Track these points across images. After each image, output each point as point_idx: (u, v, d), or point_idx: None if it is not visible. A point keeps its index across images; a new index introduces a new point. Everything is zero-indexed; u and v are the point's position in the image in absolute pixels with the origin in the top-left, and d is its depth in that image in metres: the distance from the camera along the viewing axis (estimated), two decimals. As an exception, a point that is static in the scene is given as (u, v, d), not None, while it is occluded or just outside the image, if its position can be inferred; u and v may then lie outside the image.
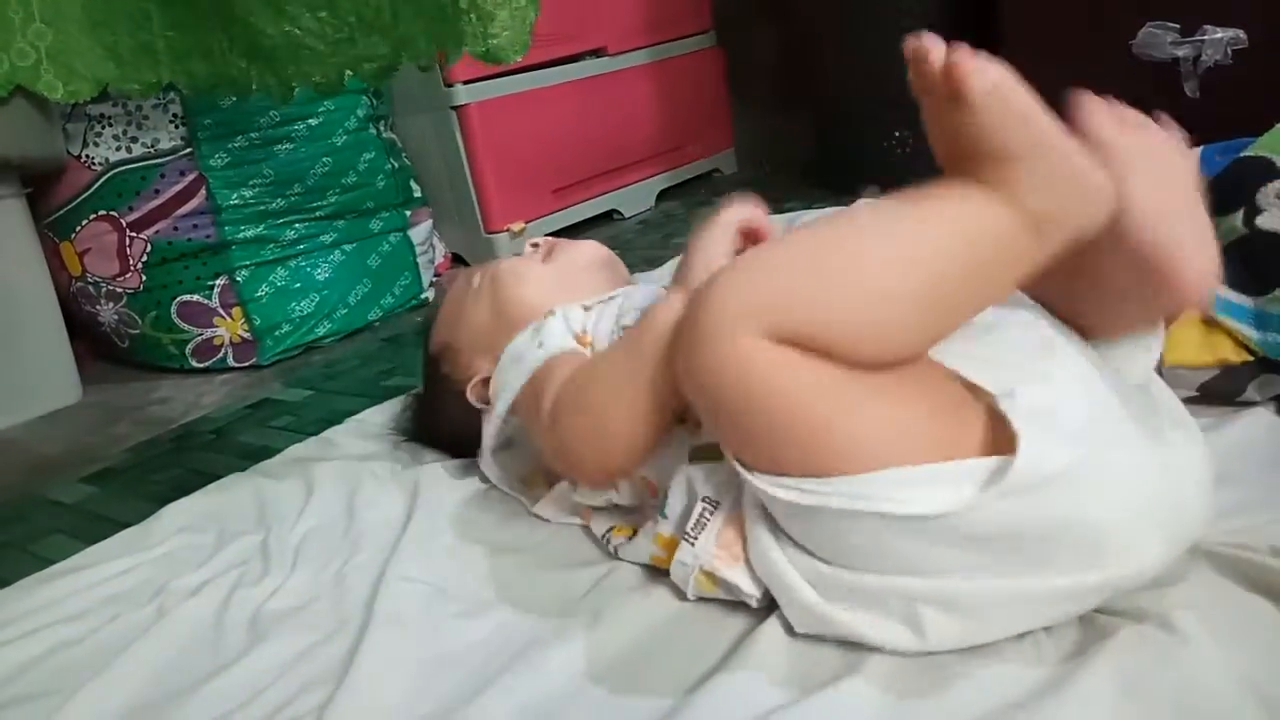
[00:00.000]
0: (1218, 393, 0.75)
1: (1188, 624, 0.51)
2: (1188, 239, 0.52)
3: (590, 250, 0.89)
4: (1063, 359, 0.54)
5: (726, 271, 0.52)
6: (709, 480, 0.60)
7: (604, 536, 0.71)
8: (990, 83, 0.48)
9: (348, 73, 1.14)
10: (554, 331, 0.74)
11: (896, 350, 0.51)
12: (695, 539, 0.59)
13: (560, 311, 0.76)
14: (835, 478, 0.50)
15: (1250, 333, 0.75)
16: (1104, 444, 0.51)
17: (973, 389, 0.52)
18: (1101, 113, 0.53)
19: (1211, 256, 0.53)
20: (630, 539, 0.68)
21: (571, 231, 2.00)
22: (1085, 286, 0.56)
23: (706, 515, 0.59)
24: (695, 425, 0.63)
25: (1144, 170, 0.52)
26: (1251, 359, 0.75)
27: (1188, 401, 0.75)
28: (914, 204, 0.52)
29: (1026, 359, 0.53)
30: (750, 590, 0.58)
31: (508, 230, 1.86)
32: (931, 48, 0.49)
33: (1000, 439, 0.49)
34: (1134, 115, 0.55)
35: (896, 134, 1.79)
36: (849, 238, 0.51)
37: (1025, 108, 0.49)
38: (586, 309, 0.77)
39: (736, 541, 0.58)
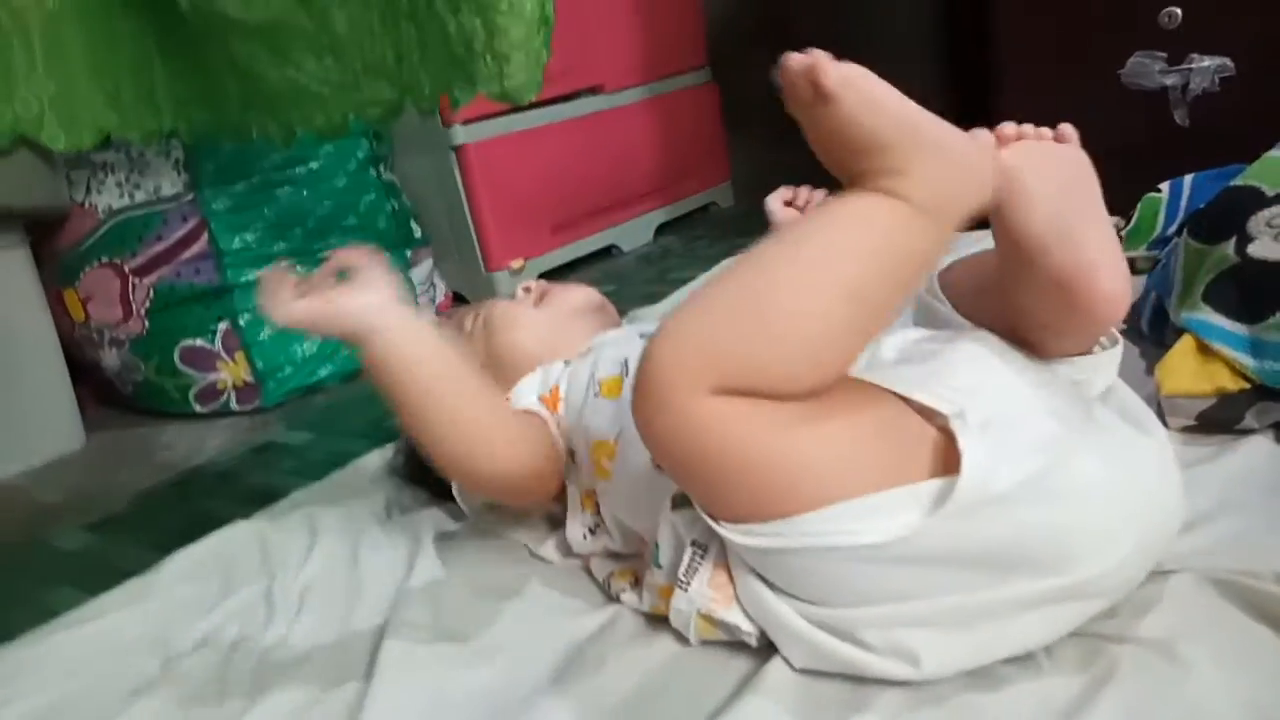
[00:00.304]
0: (1216, 421, 0.75)
1: (1192, 652, 0.52)
2: (1100, 259, 0.55)
3: (581, 295, 0.90)
4: (1014, 375, 0.57)
5: (658, 338, 0.52)
6: (693, 525, 0.60)
7: (605, 581, 0.71)
8: (843, 75, 0.51)
9: (351, 116, 1.16)
10: (521, 390, 0.77)
11: (835, 366, 0.52)
12: (688, 584, 0.59)
13: (541, 369, 0.78)
14: (789, 518, 0.51)
15: (1247, 360, 0.75)
16: (1066, 452, 0.52)
17: (925, 411, 0.53)
18: (989, 134, 0.56)
19: (1121, 275, 0.56)
20: (632, 586, 0.68)
21: (571, 267, 2.01)
22: (1014, 315, 0.59)
23: (697, 560, 0.60)
24: None
25: (1044, 190, 0.55)
26: (1249, 386, 0.75)
27: (1186, 431, 0.76)
28: (811, 224, 0.55)
29: (977, 377, 0.55)
30: (748, 629, 0.58)
31: (508, 268, 1.87)
32: (792, 56, 0.52)
33: (949, 458, 0.50)
34: (1031, 130, 0.59)
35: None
36: (760, 278, 0.52)
37: (883, 93, 0.52)
38: (567, 364, 0.79)
39: (728, 583, 0.59)
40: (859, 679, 0.54)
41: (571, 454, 0.74)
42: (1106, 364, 0.62)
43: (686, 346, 0.51)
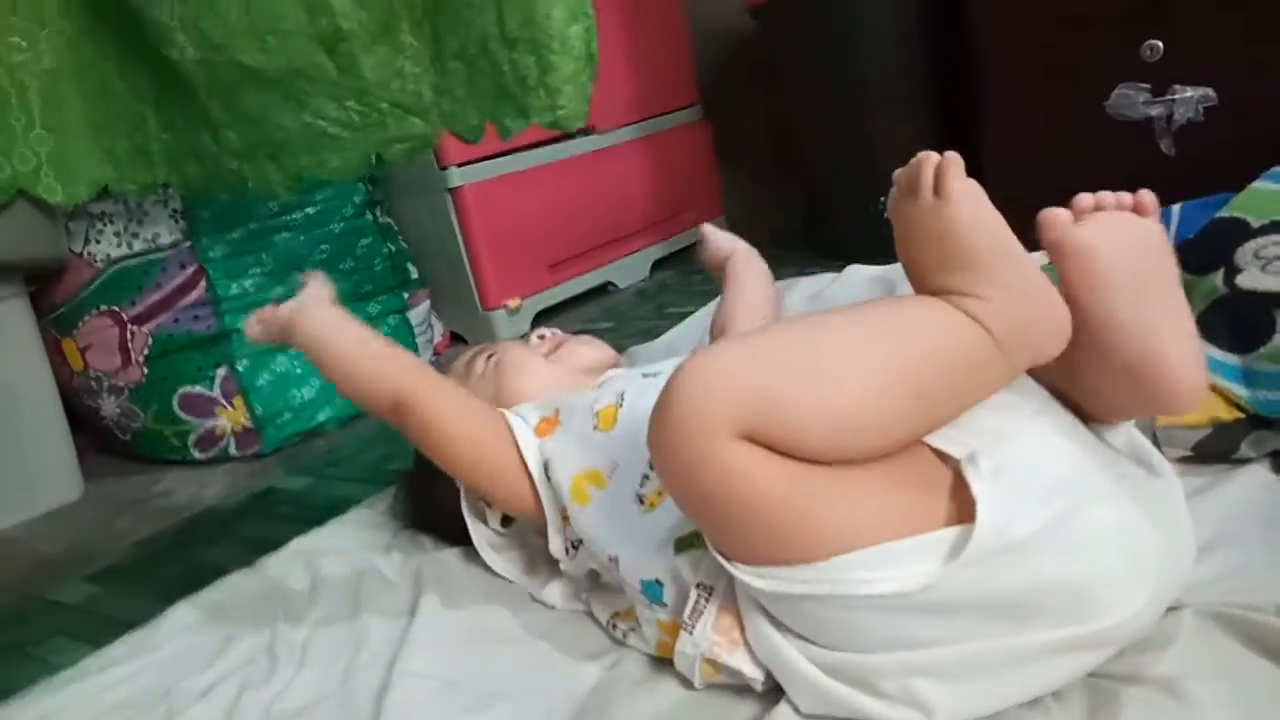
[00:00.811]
0: (1212, 452, 0.75)
1: (1197, 689, 0.52)
2: (1175, 351, 0.53)
3: (594, 353, 0.90)
4: (1034, 419, 0.55)
5: (700, 364, 0.52)
6: (698, 568, 0.60)
7: (609, 623, 0.71)
8: (967, 183, 0.51)
9: (373, 155, 1.18)
10: (521, 411, 0.78)
11: (863, 457, 0.52)
12: (693, 627, 0.59)
13: (546, 398, 0.79)
14: (807, 565, 0.50)
15: (1240, 390, 0.76)
16: (1082, 499, 0.51)
17: (940, 455, 0.53)
18: (1060, 218, 0.55)
19: (1199, 365, 0.54)
20: (637, 627, 0.68)
21: (568, 305, 2.02)
22: (1079, 392, 0.57)
23: (701, 603, 0.60)
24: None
25: (1122, 273, 0.54)
26: (1243, 416, 0.76)
27: (1182, 461, 0.76)
28: (886, 312, 0.54)
29: (996, 421, 0.54)
30: (753, 674, 0.58)
31: (505, 307, 1.88)
32: (928, 152, 0.53)
33: (970, 503, 0.50)
34: (1110, 199, 0.57)
35: (882, 198, 1.81)
36: (823, 345, 0.52)
37: (995, 216, 0.52)
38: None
39: (734, 626, 0.58)
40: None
41: (547, 473, 0.74)
42: (1128, 426, 0.60)
43: (725, 385, 0.50)
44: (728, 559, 0.54)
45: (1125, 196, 0.57)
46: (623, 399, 0.74)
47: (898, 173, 0.54)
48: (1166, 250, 0.56)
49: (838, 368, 0.51)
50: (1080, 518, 0.50)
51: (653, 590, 0.64)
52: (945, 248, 0.52)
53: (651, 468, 0.63)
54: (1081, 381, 0.57)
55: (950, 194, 0.51)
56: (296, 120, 1.15)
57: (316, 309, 0.77)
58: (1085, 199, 0.56)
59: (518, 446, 0.74)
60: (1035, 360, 0.53)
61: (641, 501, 0.66)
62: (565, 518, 0.72)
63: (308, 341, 0.75)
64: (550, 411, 0.77)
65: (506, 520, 0.81)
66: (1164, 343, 0.53)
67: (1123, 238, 0.55)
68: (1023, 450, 0.52)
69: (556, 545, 0.74)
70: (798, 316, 0.54)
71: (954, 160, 0.52)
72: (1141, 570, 0.52)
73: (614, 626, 0.70)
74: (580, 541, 0.72)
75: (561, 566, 0.75)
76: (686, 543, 0.62)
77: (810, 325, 0.54)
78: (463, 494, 0.81)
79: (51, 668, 0.85)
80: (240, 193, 1.26)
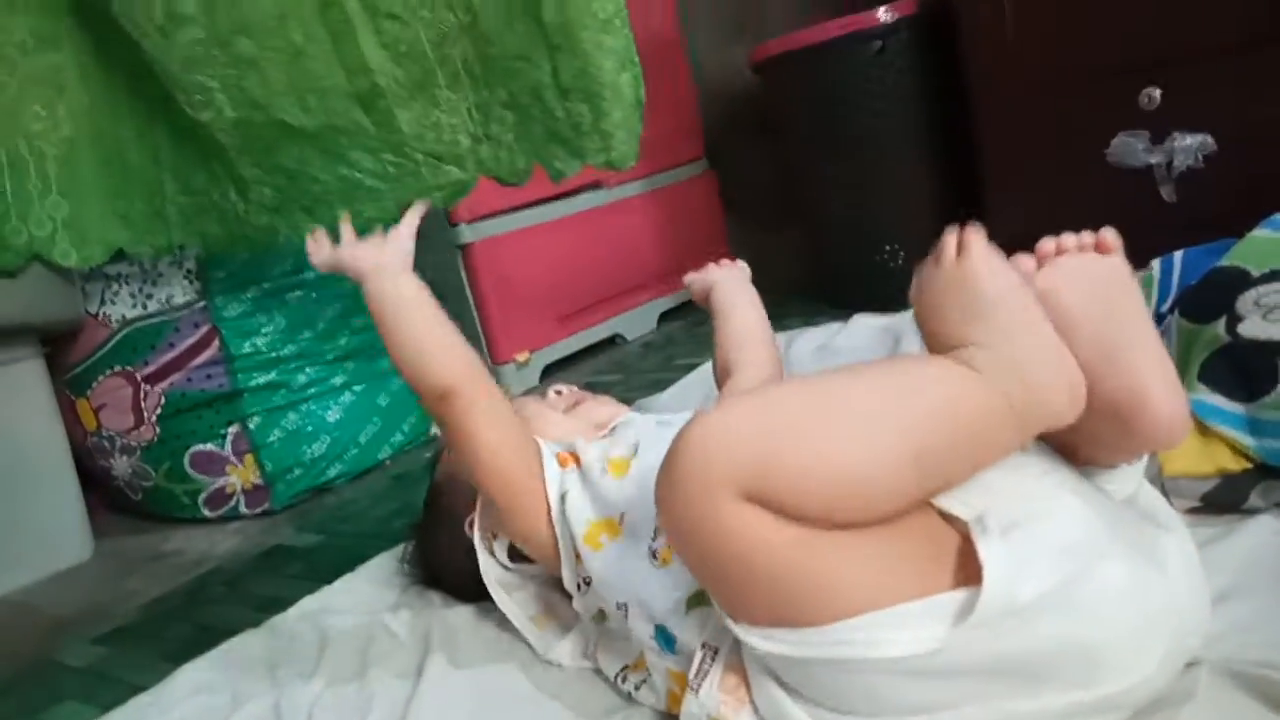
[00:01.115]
0: (1220, 503, 0.75)
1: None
2: (1152, 382, 0.53)
3: (612, 412, 0.90)
4: (1042, 478, 0.55)
5: (705, 425, 0.52)
6: (704, 627, 0.60)
7: (617, 677, 0.70)
8: (984, 242, 0.54)
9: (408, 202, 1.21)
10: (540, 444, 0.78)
11: (868, 519, 0.51)
12: (699, 687, 0.59)
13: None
14: (813, 628, 0.50)
15: (1246, 440, 0.76)
16: (1093, 561, 0.51)
17: (948, 516, 0.52)
18: (1023, 265, 0.57)
19: (1177, 397, 0.54)
20: (647, 678, 0.67)
21: (576, 357, 2.03)
22: (1074, 437, 0.56)
23: (707, 663, 0.59)
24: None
25: (1086, 313, 0.55)
26: (1250, 466, 0.75)
27: (1190, 512, 0.76)
28: (892, 372, 0.55)
29: (1003, 481, 0.54)
30: None
31: (514, 361, 1.89)
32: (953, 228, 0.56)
33: (978, 564, 0.49)
34: (1071, 240, 0.58)
35: (887, 248, 1.84)
36: (825, 406, 0.52)
37: (1008, 270, 0.54)
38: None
39: (740, 686, 0.58)
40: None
41: (564, 505, 0.74)
42: (1134, 475, 0.60)
43: (727, 446, 0.50)
44: (734, 620, 0.54)
45: (1086, 236, 0.58)
46: (636, 450, 0.74)
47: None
48: (1132, 285, 0.57)
49: (840, 429, 0.51)
50: (1090, 579, 0.50)
51: (663, 637, 0.64)
52: (963, 299, 0.53)
53: None
54: (1074, 426, 0.56)
55: (970, 251, 0.53)
56: (333, 173, 1.20)
57: (399, 273, 0.81)
58: (1045, 244, 0.58)
59: (542, 470, 0.75)
60: (1048, 423, 0.53)
61: (654, 556, 0.66)
62: (578, 555, 0.73)
63: (381, 304, 0.79)
64: (568, 450, 0.78)
65: (515, 555, 0.81)
66: (1140, 376, 0.53)
67: (1086, 278, 0.56)
68: (1031, 511, 0.52)
69: (569, 578, 0.74)
70: (802, 376, 0.54)
71: (976, 229, 0.54)
72: (1153, 633, 0.51)
73: (623, 679, 0.70)
74: (591, 579, 0.72)
75: (574, 603, 0.75)
76: (696, 600, 0.62)
77: (813, 385, 0.54)
78: (476, 523, 0.81)
79: (60, 732, 0.85)
80: (268, 247, 1.29)
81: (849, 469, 0.50)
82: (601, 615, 0.73)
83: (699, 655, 0.60)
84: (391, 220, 1.22)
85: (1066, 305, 0.55)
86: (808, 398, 0.53)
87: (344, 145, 1.18)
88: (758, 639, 0.52)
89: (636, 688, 0.68)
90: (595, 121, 1.12)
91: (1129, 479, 0.59)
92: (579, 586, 0.74)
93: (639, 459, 0.74)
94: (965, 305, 0.53)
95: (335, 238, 0.99)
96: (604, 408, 0.91)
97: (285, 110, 1.15)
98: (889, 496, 0.51)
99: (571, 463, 0.77)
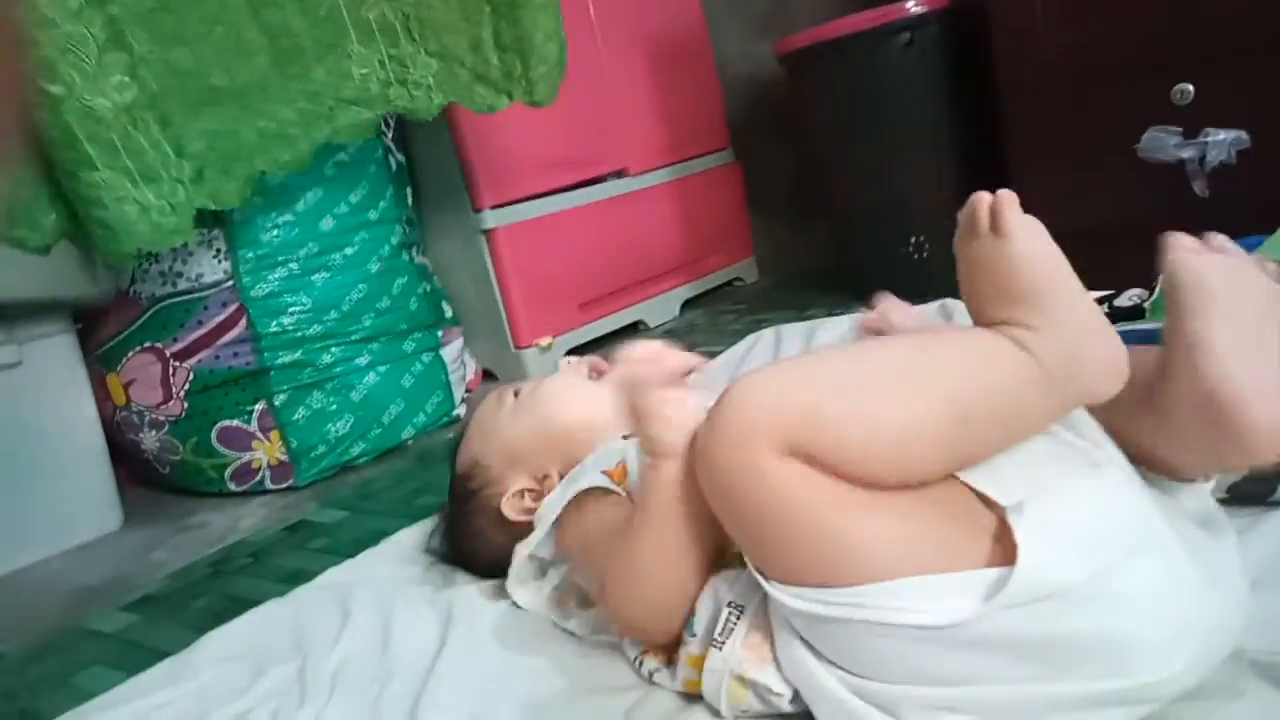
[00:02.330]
0: (1247, 495, 0.74)
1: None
2: (1262, 387, 0.51)
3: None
4: (1089, 469, 0.54)
5: (752, 380, 0.53)
6: (733, 586, 0.61)
7: (636, 659, 0.71)
8: (1024, 218, 0.53)
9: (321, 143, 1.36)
10: (586, 468, 0.78)
11: (907, 480, 0.52)
12: (722, 644, 0.60)
13: (601, 449, 0.79)
14: (843, 588, 0.51)
15: (1274, 432, 0.75)
16: (1130, 553, 0.50)
17: (987, 500, 0.52)
18: (1183, 244, 0.55)
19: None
20: (665, 665, 0.68)
21: (598, 343, 2.04)
22: (1151, 422, 0.56)
23: (732, 620, 0.60)
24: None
25: (1225, 307, 0.53)
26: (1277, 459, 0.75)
27: (1217, 504, 0.75)
28: (940, 342, 0.55)
29: (1046, 469, 0.54)
30: (780, 690, 0.58)
31: (536, 345, 1.90)
32: (984, 193, 0.55)
33: (1012, 548, 0.50)
34: (1218, 241, 0.56)
35: (913, 239, 1.83)
36: (870, 366, 0.53)
37: (1052, 250, 0.53)
38: (626, 437, 0.79)
39: (764, 643, 0.59)
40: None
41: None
42: (1202, 493, 0.59)
43: (780, 400, 0.51)
44: (766, 578, 0.54)
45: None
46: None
47: (962, 212, 0.56)
48: (1276, 299, 0.55)
49: (884, 387, 0.52)
50: (1126, 572, 0.49)
51: (686, 619, 0.64)
52: (1001, 281, 0.53)
53: None
54: (1160, 403, 0.55)
55: (1007, 229, 0.53)
56: (253, 128, 1.28)
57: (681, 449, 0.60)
58: (1217, 238, 0.57)
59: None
60: (1087, 398, 0.53)
61: None
62: None
63: (658, 475, 0.61)
64: (613, 465, 0.77)
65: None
66: (1255, 376, 0.51)
67: (1240, 276, 0.55)
68: (1072, 500, 0.52)
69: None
70: (857, 344, 0.55)
71: (1008, 197, 0.54)
72: (1186, 629, 0.51)
73: (640, 664, 0.70)
74: None
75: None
76: (724, 561, 0.63)
77: (858, 348, 0.55)
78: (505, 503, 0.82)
79: (88, 696, 0.86)
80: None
81: (890, 423, 0.51)
82: None
83: (724, 613, 0.60)
84: (305, 162, 1.33)
85: (1211, 289, 0.53)
86: (852, 356, 0.54)
87: (263, 100, 1.29)
88: (789, 597, 0.53)
89: (651, 675, 0.69)
90: (525, 71, 1.43)
91: (1196, 496, 0.58)
92: None
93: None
94: (1003, 286, 0.53)
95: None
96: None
97: (213, 72, 1.24)
98: (928, 454, 0.51)
99: (625, 478, 0.76)
